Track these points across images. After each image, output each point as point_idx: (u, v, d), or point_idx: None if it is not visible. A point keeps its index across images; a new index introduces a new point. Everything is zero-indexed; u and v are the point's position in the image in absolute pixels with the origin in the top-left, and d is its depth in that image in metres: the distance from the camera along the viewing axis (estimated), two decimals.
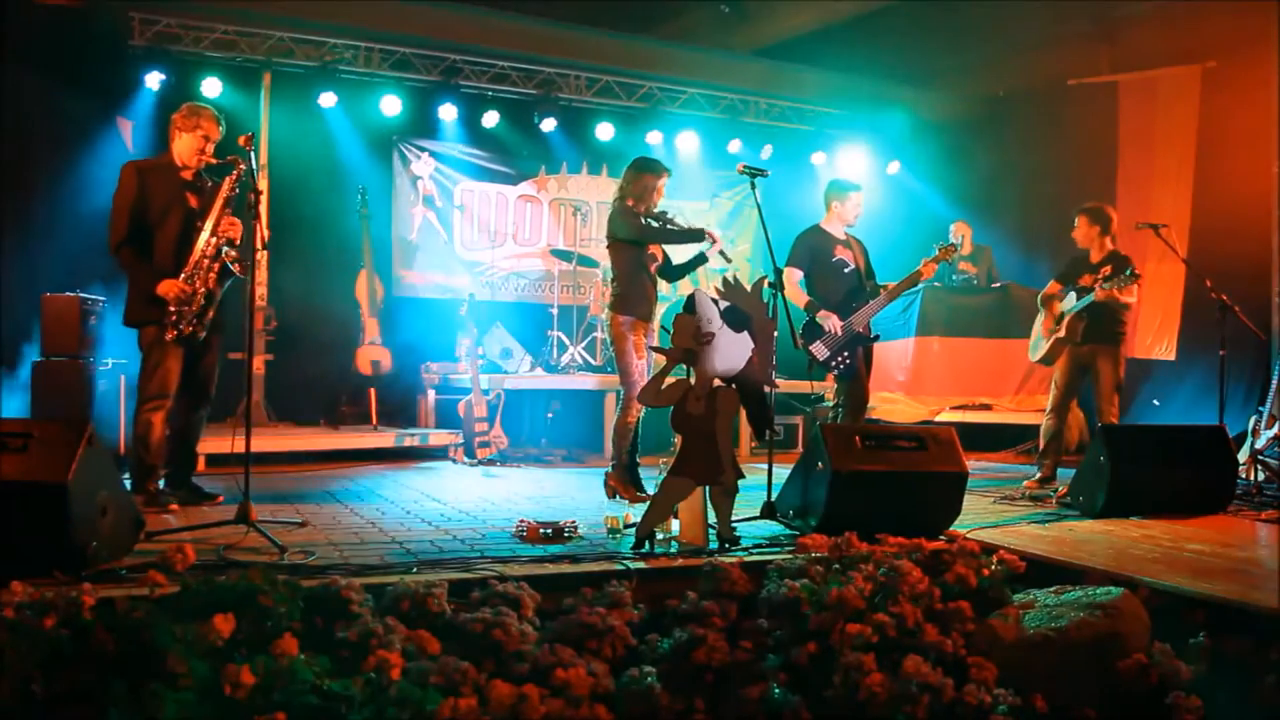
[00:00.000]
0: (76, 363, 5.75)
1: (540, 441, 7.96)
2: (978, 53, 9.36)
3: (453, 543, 3.84)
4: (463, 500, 5.20)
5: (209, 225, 4.46)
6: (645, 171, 5.26)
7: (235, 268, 4.51)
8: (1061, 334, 5.85)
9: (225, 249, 4.46)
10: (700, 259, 5.28)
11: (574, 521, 3.99)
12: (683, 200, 9.31)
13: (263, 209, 4.28)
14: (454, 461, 7.17)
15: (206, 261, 4.45)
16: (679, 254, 5.48)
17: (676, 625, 3.02)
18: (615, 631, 2.91)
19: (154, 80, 7.43)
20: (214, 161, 4.58)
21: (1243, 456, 5.72)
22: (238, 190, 4.52)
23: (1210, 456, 4.88)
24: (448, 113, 8.63)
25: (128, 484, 4.42)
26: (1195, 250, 7.62)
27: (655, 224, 5.23)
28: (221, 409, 4.84)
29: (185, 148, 4.58)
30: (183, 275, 4.43)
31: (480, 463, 6.98)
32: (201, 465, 5.15)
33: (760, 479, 4.38)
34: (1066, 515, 4.76)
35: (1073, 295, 5.85)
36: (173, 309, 4.41)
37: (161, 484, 4.63)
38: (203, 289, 4.45)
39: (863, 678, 2.79)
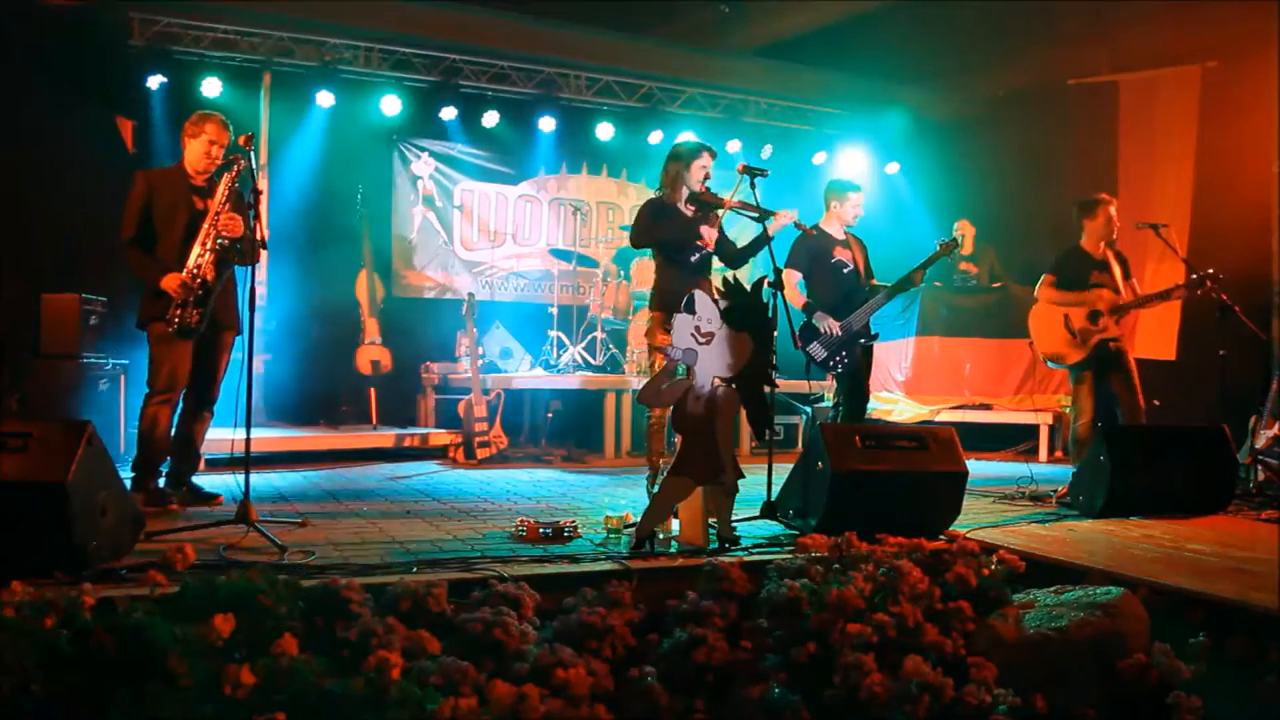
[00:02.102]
0: (76, 363, 5.75)
1: (540, 441, 7.96)
2: (978, 53, 9.35)
3: (453, 543, 3.84)
4: (463, 500, 5.20)
5: (208, 221, 4.50)
6: (671, 160, 5.05)
7: (232, 257, 4.55)
8: (1114, 332, 5.57)
9: (222, 241, 4.51)
10: (762, 240, 4.75)
11: (574, 521, 3.99)
12: None
13: (263, 209, 4.31)
14: (454, 461, 7.17)
15: (208, 255, 4.49)
16: (743, 237, 5.11)
17: (676, 625, 3.02)
18: (615, 631, 2.91)
19: (154, 80, 7.45)
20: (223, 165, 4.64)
21: (1243, 456, 5.71)
22: (238, 187, 4.57)
23: (1210, 456, 4.87)
24: (448, 113, 8.64)
25: (129, 482, 4.42)
26: (1195, 250, 7.60)
27: (705, 206, 4.92)
28: (221, 409, 4.85)
29: (193, 154, 4.64)
30: (185, 270, 4.47)
31: (480, 462, 6.98)
32: (201, 465, 5.15)
33: (760, 479, 4.37)
34: (1066, 515, 4.75)
35: (1105, 293, 5.63)
36: (177, 302, 4.45)
37: (161, 483, 4.64)
38: (200, 280, 4.49)
39: (863, 678, 2.79)
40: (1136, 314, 5.83)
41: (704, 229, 5.03)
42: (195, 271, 4.47)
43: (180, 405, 4.67)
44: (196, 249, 4.48)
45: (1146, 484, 4.68)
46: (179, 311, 4.45)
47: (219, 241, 4.49)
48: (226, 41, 7.80)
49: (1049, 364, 5.95)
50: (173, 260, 4.51)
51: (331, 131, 8.24)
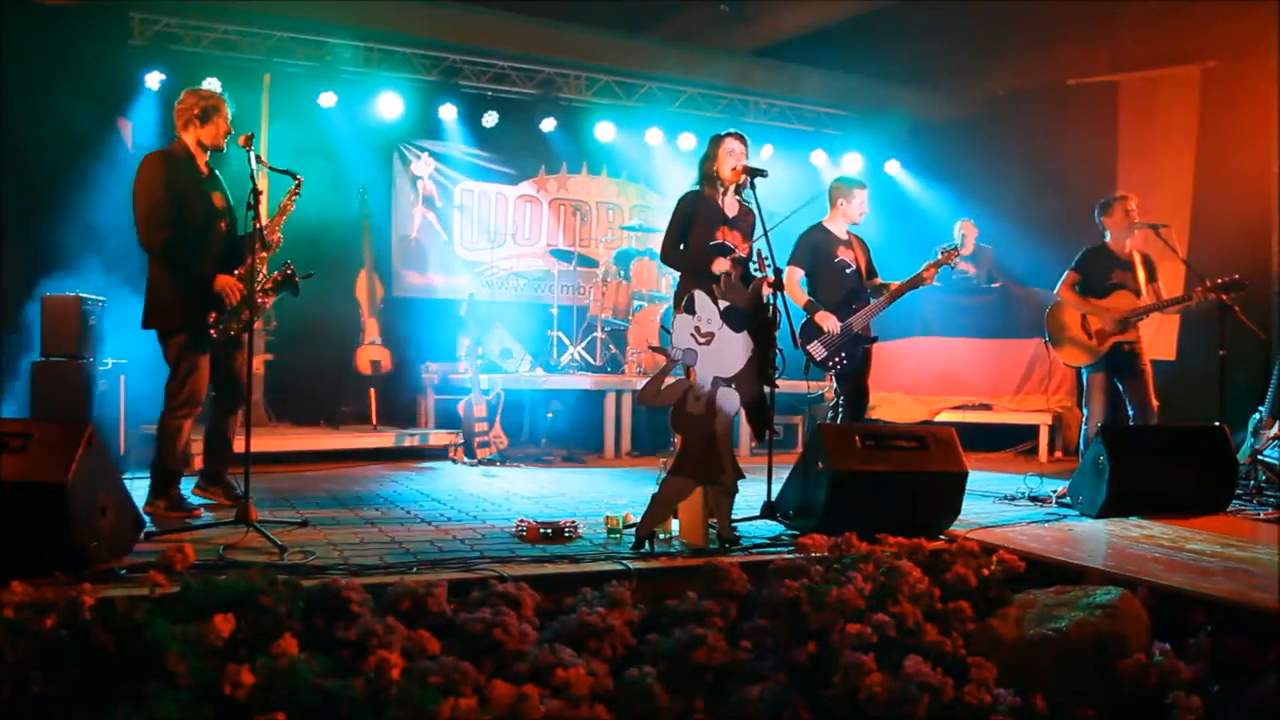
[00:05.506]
0: (76, 363, 5.74)
1: (540, 441, 7.96)
2: (978, 53, 9.36)
3: (453, 543, 3.84)
4: (463, 500, 5.20)
5: (269, 230, 4.43)
6: (702, 157, 4.89)
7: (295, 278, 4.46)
8: (1130, 335, 5.60)
9: (287, 262, 4.43)
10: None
11: (574, 521, 3.99)
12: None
13: (263, 209, 4.24)
14: (454, 461, 7.17)
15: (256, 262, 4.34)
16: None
17: (676, 625, 3.02)
18: (615, 631, 2.91)
19: (154, 80, 7.44)
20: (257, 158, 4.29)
21: (1243, 456, 5.71)
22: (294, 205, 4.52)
23: (1210, 456, 4.87)
24: (447, 113, 8.64)
25: (149, 489, 4.39)
26: (1195, 250, 7.60)
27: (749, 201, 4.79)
28: None
29: (212, 136, 4.46)
30: (236, 273, 4.35)
31: (480, 463, 6.98)
32: (200, 465, 5.14)
33: (760, 479, 4.37)
34: (1066, 515, 4.76)
35: (1126, 294, 5.64)
36: (226, 310, 4.33)
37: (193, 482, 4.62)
38: (258, 295, 4.36)
39: (863, 678, 2.79)
40: None
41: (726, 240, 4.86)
42: (244, 278, 4.30)
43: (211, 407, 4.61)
44: (256, 256, 4.26)
45: (1146, 484, 4.67)
46: (222, 321, 4.31)
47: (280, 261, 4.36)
48: (226, 41, 7.80)
49: (1065, 364, 5.97)
50: (209, 264, 4.34)
51: (331, 131, 8.23)
